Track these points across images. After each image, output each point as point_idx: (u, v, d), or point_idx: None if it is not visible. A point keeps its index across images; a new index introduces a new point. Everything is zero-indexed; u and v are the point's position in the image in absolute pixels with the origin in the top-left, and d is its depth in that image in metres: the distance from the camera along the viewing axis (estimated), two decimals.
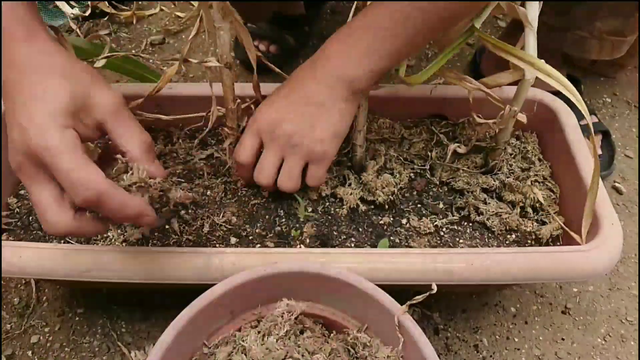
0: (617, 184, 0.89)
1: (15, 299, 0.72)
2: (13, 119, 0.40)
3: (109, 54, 0.61)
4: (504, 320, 0.72)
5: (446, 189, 0.66)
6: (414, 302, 0.45)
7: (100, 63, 0.60)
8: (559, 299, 0.75)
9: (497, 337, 0.71)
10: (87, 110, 0.43)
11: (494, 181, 0.64)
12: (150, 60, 1.11)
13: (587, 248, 0.53)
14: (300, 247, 0.58)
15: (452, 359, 0.68)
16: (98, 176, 0.39)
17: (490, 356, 0.69)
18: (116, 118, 0.44)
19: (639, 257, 0.80)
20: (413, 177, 0.66)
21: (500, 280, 0.52)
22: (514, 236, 0.62)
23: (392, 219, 0.62)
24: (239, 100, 0.58)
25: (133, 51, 1.13)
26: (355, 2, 0.54)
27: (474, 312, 0.73)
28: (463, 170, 0.65)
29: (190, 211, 0.62)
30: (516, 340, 0.70)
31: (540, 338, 0.71)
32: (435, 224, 0.62)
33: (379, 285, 0.48)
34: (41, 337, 0.69)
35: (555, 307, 0.74)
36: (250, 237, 0.60)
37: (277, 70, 0.61)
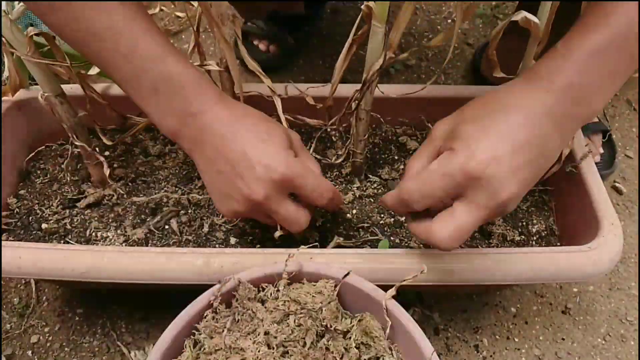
0: (617, 184, 0.89)
1: (15, 299, 0.72)
2: (246, 159, 0.47)
3: None
4: (504, 320, 0.72)
5: None
6: (403, 283, 0.46)
7: (95, 70, 0.60)
8: (559, 299, 0.75)
9: (497, 337, 0.71)
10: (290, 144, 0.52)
11: None
12: None
13: (587, 248, 0.53)
14: (300, 247, 0.58)
15: (452, 359, 0.68)
16: (329, 183, 0.53)
17: (491, 356, 0.69)
18: (301, 149, 0.55)
19: (639, 257, 0.80)
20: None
21: (501, 281, 0.52)
22: (517, 236, 0.62)
23: (392, 219, 0.62)
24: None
25: None
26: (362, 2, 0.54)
27: (474, 312, 0.72)
28: None
29: (190, 211, 0.62)
30: (516, 340, 0.70)
31: (541, 338, 0.71)
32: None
33: (379, 286, 0.48)
34: (41, 337, 0.69)
35: (555, 307, 0.74)
36: (250, 238, 0.60)
37: (268, 81, 0.60)
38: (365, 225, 0.62)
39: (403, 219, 0.62)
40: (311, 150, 0.63)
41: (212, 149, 0.48)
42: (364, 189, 0.65)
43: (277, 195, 0.49)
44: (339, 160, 0.66)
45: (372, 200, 0.64)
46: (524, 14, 0.48)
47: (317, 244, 0.59)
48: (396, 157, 0.69)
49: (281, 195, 0.49)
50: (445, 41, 0.53)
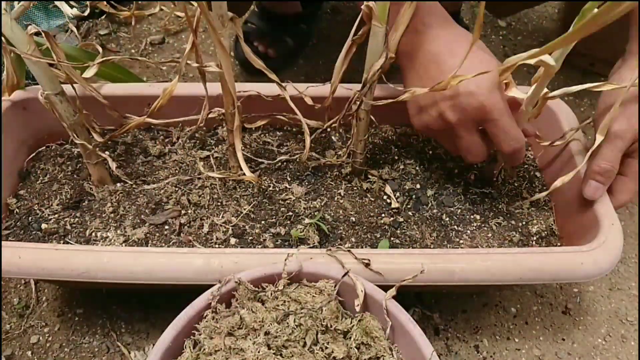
0: None
1: (15, 299, 0.72)
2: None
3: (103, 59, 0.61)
4: (505, 320, 0.72)
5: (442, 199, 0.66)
6: (403, 283, 0.47)
7: (90, 72, 0.60)
8: (560, 299, 0.75)
9: (498, 337, 0.71)
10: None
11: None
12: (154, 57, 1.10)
13: (587, 248, 0.53)
14: (300, 247, 0.58)
15: (453, 359, 0.68)
16: (521, 134, 0.53)
17: (491, 356, 0.69)
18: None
19: (639, 257, 0.80)
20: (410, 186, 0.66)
21: (501, 281, 0.52)
22: (517, 236, 0.62)
23: (392, 218, 0.62)
24: (239, 104, 0.58)
25: (132, 50, 1.13)
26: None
27: (475, 313, 0.72)
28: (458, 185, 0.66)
29: (190, 211, 0.62)
30: (516, 340, 0.70)
31: (541, 338, 0.71)
32: (433, 227, 0.62)
33: (379, 286, 0.48)
34: (41, 338, 0.68)
35: (555, 307, 0.74)
36: (250, 238, 0.60)
37: (274, 77, 0.60)
38: (365, 225, 0.62)
39: (401, 219, 0.62)
40: (309, 149, 0.63)
41: (422, 67, 0.54)
42: (364, 189, 0.65)
43: (468, 123, 0.53)
44: (339, 161, 0.66)
45: (372, 200, 0.64)
46: (541, 57, 0.47)
47: (317, 244, 0.59)
48: (396, 157, 0.69)
49: (472, 124, 0.53)
50: None
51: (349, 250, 0.51)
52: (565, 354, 0.69)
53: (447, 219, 0.63)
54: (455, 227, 0.62)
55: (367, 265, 0.50)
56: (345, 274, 0.48)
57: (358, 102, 0.57)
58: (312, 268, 0.49)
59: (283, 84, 0.60)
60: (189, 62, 0.55)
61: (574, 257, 0.53)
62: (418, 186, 0.66)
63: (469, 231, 0.62)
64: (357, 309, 0.47)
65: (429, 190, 0.65)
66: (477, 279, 0.52)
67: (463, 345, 0.69)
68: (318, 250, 0.53)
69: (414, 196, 0.65)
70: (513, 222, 0.63)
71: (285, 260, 0.48)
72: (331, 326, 0.45)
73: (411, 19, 0.50)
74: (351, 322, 0.47)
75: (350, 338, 0.46)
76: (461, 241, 0.61)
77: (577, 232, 0.60)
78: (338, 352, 0.44)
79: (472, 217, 0.63)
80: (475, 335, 0.70)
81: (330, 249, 0.52)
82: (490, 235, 0.62)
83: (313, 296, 0.46)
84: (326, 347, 0.44)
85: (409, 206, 0.64)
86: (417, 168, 0.68)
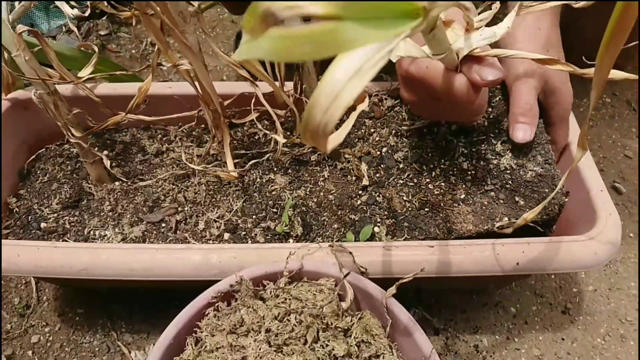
0: (616, 184, 0.89)
1: (15, 299, 0.72)
2: None
3: (107, 73, 0.62)
4: (504, 320, 0.72)
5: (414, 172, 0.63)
6: (404, 281, 0.46)
7: (85, 72, 0.61)
8: (559, 299, 0.75)
9: (497, 337, 0.71)
10: None
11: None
12: (149, 60, 1.11)
13: (585, 238, 0.53)
14: (290, 241, 0.58)
15: (452, 359, 0.68)
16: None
17: (490, 356, 0.69)
18: None
19: (639, 257, 0.80)
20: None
21: (500, 272, 0.52)
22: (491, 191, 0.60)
23: (367, 196, 0.61)
24: (221, 100, 0.58)
25: (133, 51, 1.13)
26: None
27: (474, 312, 0.72)
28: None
29: (186, 208, 0.62)
30: (516, 340, 0.70)
31: (540, 338, 0.71)
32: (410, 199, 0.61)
33: (376, 279, 0.48)
34: (41, 337, 0.68)
35: (555, 307, 0.74)
36: (243, 233, 0.60)
37: (270, 79, 0.59)
38: (348, 207, 0.61)
39: (379, 198, 0.62)
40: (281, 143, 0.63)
41: None
42: (342, 169, 0.64)
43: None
44: (310, 148, 0.65)
45: (355, 179, 0.63)
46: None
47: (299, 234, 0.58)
48: (372, 130, 0.67)
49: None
50: None
51: (349, 252, 0.51)
52: (564, 354, 0.69)
53: (432, 186, 0.61)
54: (437, 192, 0.60)
55: (363, 273, 0.50)
56: (346, 275, 0.48)
57: (300, 85, 0.57)
58: (313, 266, 0.49)
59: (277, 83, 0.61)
60: (164, 63, 0.56)
61: (572, 247, 0.52)
62: (395, 156, 0.64)
63: (453, 190, 0.60)
64: (344, 305, 0.46)
65: (398, 154, 0.63)
66: (475, 270, 0.51)
67: (463, 345, 0.69)
68: (317, 245, 0.53)
69: (387, 167, 0.63)
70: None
71: (287, 258, 0.48)
72: (332, 324, 0.45)
73: None
74: (351, 320, 0.47)
75: (350, 336, 0.46)
76: (445, 206, 0.59)
77: (574, 223, 0.59)
78: (339, 349, 0.44)
79: (454, 179, 0.61)
80: (475, 335, 0.70)
81: (331, 245, 0.52)
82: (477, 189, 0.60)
83: (314, 294, 0.47)
84: (327, 345, 0.44)
85: (384, 179, 0.62)
86: (392, 138, 0.65)
